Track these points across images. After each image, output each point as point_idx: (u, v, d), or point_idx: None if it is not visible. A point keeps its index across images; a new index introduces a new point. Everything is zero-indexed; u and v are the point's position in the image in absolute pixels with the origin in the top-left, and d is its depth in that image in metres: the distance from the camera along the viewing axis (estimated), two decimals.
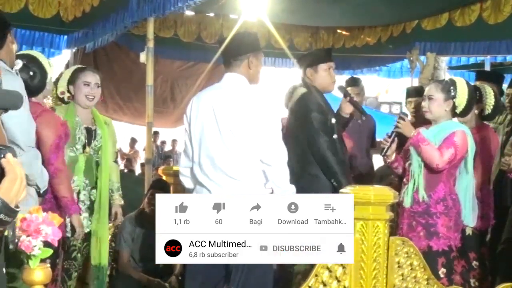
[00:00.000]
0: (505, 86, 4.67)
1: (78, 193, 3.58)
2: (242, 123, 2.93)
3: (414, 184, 3.44)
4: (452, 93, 3.45)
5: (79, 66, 4.15)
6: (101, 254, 3.70)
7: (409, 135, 3.49)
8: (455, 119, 3.61)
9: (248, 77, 3.06)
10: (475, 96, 3.61)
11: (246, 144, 2.93)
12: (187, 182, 3.17)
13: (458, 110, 3.48)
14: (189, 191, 3.16)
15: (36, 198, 2.75)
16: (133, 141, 14.40)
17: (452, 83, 3.51)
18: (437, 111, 3.47)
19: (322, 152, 3.62)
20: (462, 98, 3.45)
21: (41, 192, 2.77)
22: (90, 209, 3.63)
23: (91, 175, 3.65)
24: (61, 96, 3.69)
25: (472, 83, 3.84)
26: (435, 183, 3.41)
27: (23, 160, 2.59)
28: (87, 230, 3.59)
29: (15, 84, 2.60)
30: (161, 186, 4.23)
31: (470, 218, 3.52)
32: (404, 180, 3.56)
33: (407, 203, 3.44)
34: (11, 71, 2.67)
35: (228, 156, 2.94)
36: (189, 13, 8.33)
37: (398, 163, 3.68)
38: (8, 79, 2.48)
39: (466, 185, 3.51)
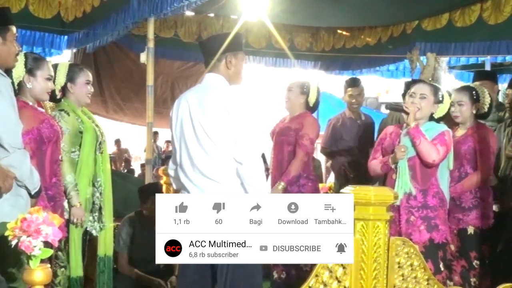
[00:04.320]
0: (505, 86, 4.68)
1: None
2: (216, 124, 2.89)
3: (403, 178, 3.48)
4: (440, 99, 3.59)
5: (71, 63, 4.11)
6: (106, 245, 3.71)
7: (409, 122, 3.53)
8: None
9: (227, 77, 3.03)
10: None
11: (222, 146, 2.89)
12: (173, 183, 3.18)
13: (436, 115, 3.60)
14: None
15: (28, 199, 2.73)
16: (118, 142, 14.44)
17: (440, 90, 3.64)
18: (425, 110, 3.55)
19: None
20: (446, 105, 3.62)
21: (32, 193, 2.75)
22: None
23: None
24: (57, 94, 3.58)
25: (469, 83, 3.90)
26: (429, 177, 3.49)
27: (8, 162, 2.60)
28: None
29: None
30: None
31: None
32: (392, 176, 3.56)
33: (401, 198, 3.45)
34: None
35: (205, 158, 2.91)
36: (189, 13, 8.31)
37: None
38: None
39: (447, 182, 3.60)
